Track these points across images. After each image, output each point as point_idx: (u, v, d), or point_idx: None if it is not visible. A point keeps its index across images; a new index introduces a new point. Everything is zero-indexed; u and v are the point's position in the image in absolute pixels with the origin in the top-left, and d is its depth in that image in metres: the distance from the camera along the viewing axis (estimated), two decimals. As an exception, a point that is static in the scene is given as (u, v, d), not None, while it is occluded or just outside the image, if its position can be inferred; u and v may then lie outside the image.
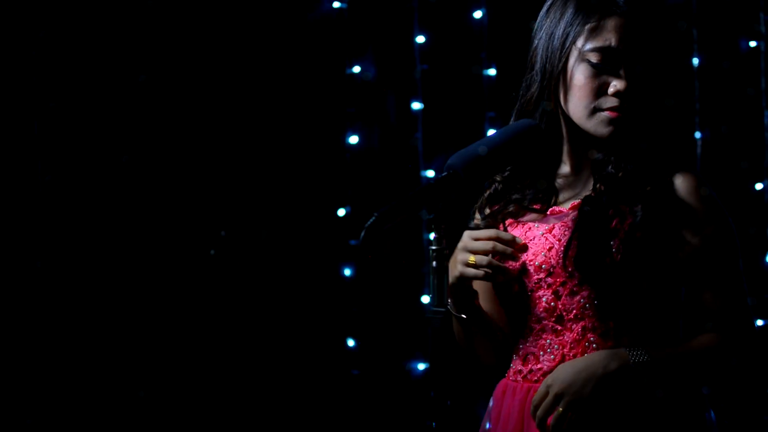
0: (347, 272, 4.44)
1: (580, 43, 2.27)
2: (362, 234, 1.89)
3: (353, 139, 4.43)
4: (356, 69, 4.43)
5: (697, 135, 4.31)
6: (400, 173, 4.44)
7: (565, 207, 2.34)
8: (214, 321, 4.31)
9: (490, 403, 2.41)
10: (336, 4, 4.42)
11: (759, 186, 4.45)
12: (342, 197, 4.43)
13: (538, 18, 2.37)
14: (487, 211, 2.43)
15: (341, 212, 4.42)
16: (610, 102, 2.25)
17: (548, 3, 2.36)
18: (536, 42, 2.36)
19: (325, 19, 4.42)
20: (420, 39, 4.41)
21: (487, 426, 2.42)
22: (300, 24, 4.42)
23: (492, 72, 4.39)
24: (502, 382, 2.40)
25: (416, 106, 4.43)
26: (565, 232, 2.28)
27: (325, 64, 4.43)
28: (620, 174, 2.27)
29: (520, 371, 2.34)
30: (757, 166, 4.43)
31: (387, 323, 4.43)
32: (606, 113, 2.25)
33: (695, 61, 4.27)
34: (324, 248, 4.45)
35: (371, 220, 1.90)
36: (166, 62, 4.27)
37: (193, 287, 4.31)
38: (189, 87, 4.31)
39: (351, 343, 4.41)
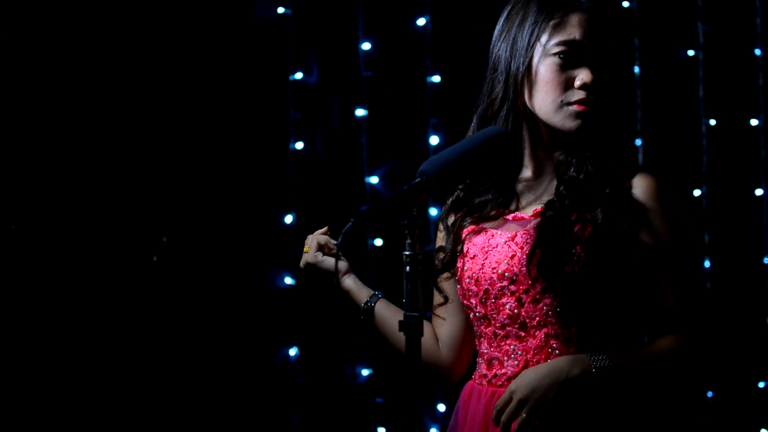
0: (288, 280, 4.43)
1: (544, 39, 2.30)
2: (339, 239, 1.90)
3: (299, 145, 4.42)
4: (298, 75, 4.42)
5: (638, 142, 4.37)
6: (345, 180, 4.44)
7: (527, 213, 2.36)
8: (157, 328, 4.28)
9: (458, 405, 2.44)
10: (280, 10, 4.41)
11: (697, 192, 4.51)
12: (286, 204, 4.42)
13: (499, 21, 2.40)
14: (452, 218, 2.46)
15: (288, 219, 4.41)
16: (578, 95, 2.28)
17: (509, 7, 2.39)
18: (499, 44, 2.38)
19: (269, 25, 4.41)
20: (366, 46, 4.41)
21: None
22: (244, 29, 4.40)
23: (436, 79, 4.41)
24: (469, 384, 2.43)
25: (360, 112, 4.43)
26: (528, 240, 2.30)
27: (269, 70, 4.42)
28: (581, 176, 2.30)
29: (485, 375, 2.36)
30: (695, 172, 4.50)
31: (331, 329, 4.43)
32: (574, 107, 2.28)
33: (636, 69, 4.33)
34: (267, 255, 4.43)
35: (348, 225, 1.91)
36: (107, 65, 4.23)
37: (136, 294, 4.27)
38: (131, 91, 4.27)
39: (293, 351, 4.40)
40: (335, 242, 2.54)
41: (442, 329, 2.53)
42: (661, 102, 4.43)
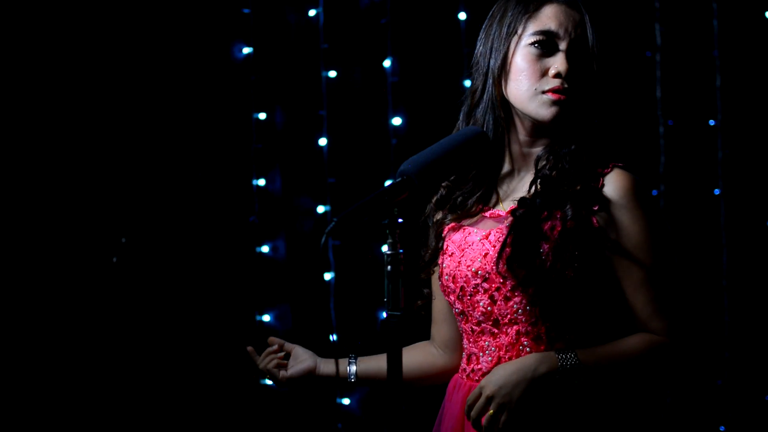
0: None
1: (520, 30, 2.35)
2: (323, 238, 1.90)
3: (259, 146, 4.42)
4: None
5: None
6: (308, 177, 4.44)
7: (505, 209, 2.38)
8: (119, 330, 4.24)
9: (445, 396, 2.49)
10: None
11: (654, 192, 4.54)
12: (249, 204, 4.40)
13: (485, 22, 2.44)
14: (438, 216, 2.49)
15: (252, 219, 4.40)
16: (552, 83, 2.30)
17: (493, 7, 2.44)
18: (481, 40, 2.43)
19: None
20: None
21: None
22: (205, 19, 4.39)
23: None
24: (455, 377, 2.47)
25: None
26: (500, 238, 2.32)
27: (229, 60, 4.40)
28: (553, 173, 2.31)
29: (464, 369, 2.41)
30: (653, 172, 4.53)
31: (296, 330, 4.42)
32: (548, 95, 2.30)
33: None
34: (230, 255, 4.41)
35: (331, 225, 1.91)
36: (74, 66, 4.19)
37: (96, 296, 4.23)
38: (90, 90, 4.23)
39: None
40: (275, 346, 2.61)
41: (440, 332, 2.58)
42: (618, 102, 4.45)
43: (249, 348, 2.62)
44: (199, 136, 4.37)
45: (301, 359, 2.58)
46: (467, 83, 4.33)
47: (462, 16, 4.43)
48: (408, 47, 4.44)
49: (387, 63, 4.42)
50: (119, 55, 4.24)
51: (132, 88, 4.26)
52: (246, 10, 4.38)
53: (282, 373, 2.57)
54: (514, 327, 2.30)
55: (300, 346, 2.60)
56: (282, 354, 2.60)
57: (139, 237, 4.30)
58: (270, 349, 2.61)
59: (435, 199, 2.49)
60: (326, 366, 2.57)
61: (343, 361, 2.58)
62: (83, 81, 4.18)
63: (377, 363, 2.55)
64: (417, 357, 2.59)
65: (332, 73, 4.41)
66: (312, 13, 4.41)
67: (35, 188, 4.13)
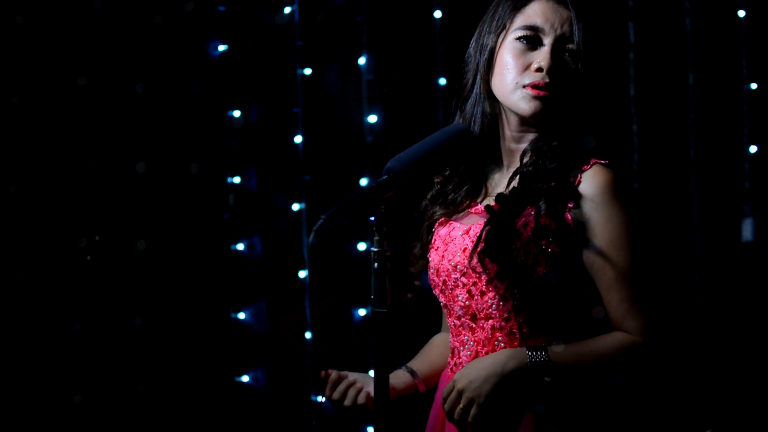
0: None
1: (507, 25, 2.38)
2: (311, 236, 1.91)
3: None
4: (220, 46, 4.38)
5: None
6: (283, 176, 4.43)
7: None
8: (93, 327, 4.23)
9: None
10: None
11: (627, 189, 4.57)
12: (224, 201, 4.39)
13: (482, 18, 2.48)
14: (432, 210, 2.52)
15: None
16: (533, 77, 2.32)
17: (489, 6, 2.48)
18: (474, 36, 2.47)
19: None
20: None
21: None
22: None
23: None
24: (446, 369, 2.49)
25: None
26: (478, 233, 2.34)
27: (203, 50, 4.39)
28: (530, 169, 2.33)
29: (449, 363, 2.45)
30: (626, 169, 4.55)
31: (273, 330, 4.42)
32: (528, 89, 2.32)
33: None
34: (205, 253, 4.40)
35: (319, 223, 1.92)
36: (47, 59, 4.17)
37: (70, 294, 4.21)
38: (65, 85, 4.21)
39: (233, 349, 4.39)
40: (351, 378, 2.50)
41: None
42: (602, 100, 4.47)
43: (323, 372, 2.49)
44: (174, 133, 4.35)
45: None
46: (442, 81, 4.37)
47: (437, 14, 4.43)
48: (384, 45, 4.44)
49: (362, 60, 4.42)
50: (94, 53, 4.22)
51: (106, 86, 4.24)
52: (221, 8, 4.37)
53: (360, 407, 2.47)
54: (489, 322, 2.33)
55: (349, 372, 2.51)
56: (360, 384, 2.49)
57: (113, 234, 4.29)
58: (347, 380, 2.48)
59: (430, 195, 2.53)
60: (395, 382, 2.52)
61: (403, 374, 2.54)
62: (57, 77, 4.17)
63: (426, 363, 2.56)
64: (443, 350, 2.58)
65: (307, 71, 4.41)
66: (287, 10, 4.40)
67: (5, 186, 4.11)
